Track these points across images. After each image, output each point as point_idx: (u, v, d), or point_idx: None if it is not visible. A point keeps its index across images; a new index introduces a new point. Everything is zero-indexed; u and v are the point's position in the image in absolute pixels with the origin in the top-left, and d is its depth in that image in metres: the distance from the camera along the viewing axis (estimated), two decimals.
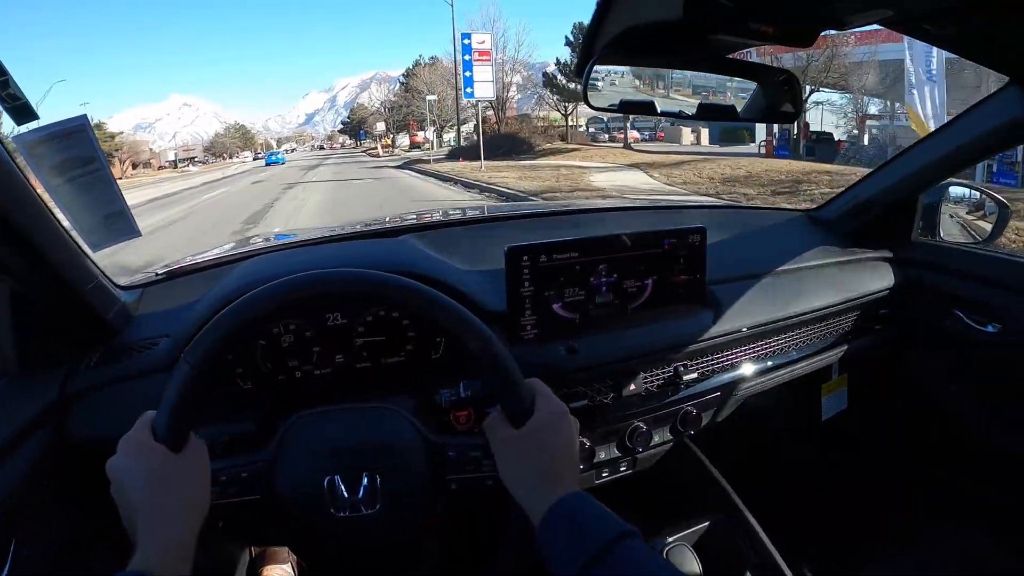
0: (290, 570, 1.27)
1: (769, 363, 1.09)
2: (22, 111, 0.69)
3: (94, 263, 0.85)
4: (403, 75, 55.39)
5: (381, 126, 55.39)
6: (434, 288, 0.58)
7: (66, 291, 0.79)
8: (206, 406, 0.58)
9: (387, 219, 1.52)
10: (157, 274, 1.09)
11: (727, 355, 1.04)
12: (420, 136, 44.95)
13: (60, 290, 0.78)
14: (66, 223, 0.78)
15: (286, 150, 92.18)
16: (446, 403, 0.74)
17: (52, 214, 0.74)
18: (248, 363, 0.83)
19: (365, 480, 0.62)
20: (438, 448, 0.65)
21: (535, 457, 0.56)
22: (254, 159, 77.70)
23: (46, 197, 0.74)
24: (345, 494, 0.62)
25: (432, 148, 35.58)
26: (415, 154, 35.59)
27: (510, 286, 0.84)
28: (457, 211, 1.77)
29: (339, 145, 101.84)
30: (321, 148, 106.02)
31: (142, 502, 0.51)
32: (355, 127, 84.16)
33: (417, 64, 48.52)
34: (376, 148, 49.91)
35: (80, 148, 0.77)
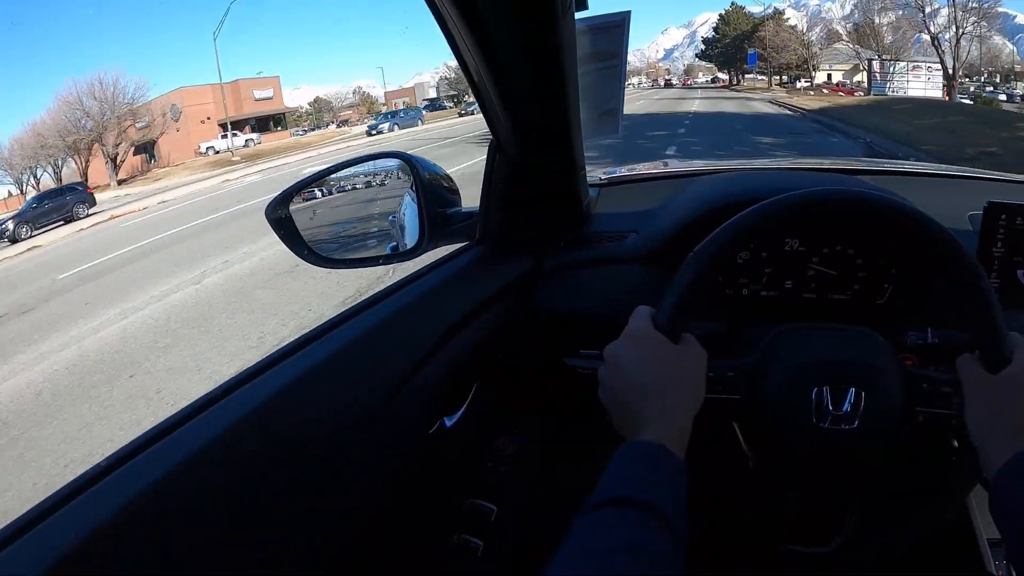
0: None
1: None
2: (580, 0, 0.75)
3: None
4: None
5: None
6: None
7: (563, 174, 0.87)
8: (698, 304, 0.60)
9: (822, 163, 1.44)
10: (600, 178, 1.17)
11: None
12: None
13: (557, 172, 0.87)
14: None
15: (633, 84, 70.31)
16: (911, 344, 0.74)
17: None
18: None
19: (851, 395, 0.62)
20: (913, 377, 0.63)
21: (1006, 406, 0.55)
22: None
23: None
24: (830, 406, 0.63)
25: None
26: None
27: (983, 243, 0.81)
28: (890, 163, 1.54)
29: (693, 82, 60.94)
30: (667, 86, 60.45)
31: (648, 387, 0.55)
32: (728, 48, 45.67)
33: None
34: None
35: (611, 43, 0.81)
